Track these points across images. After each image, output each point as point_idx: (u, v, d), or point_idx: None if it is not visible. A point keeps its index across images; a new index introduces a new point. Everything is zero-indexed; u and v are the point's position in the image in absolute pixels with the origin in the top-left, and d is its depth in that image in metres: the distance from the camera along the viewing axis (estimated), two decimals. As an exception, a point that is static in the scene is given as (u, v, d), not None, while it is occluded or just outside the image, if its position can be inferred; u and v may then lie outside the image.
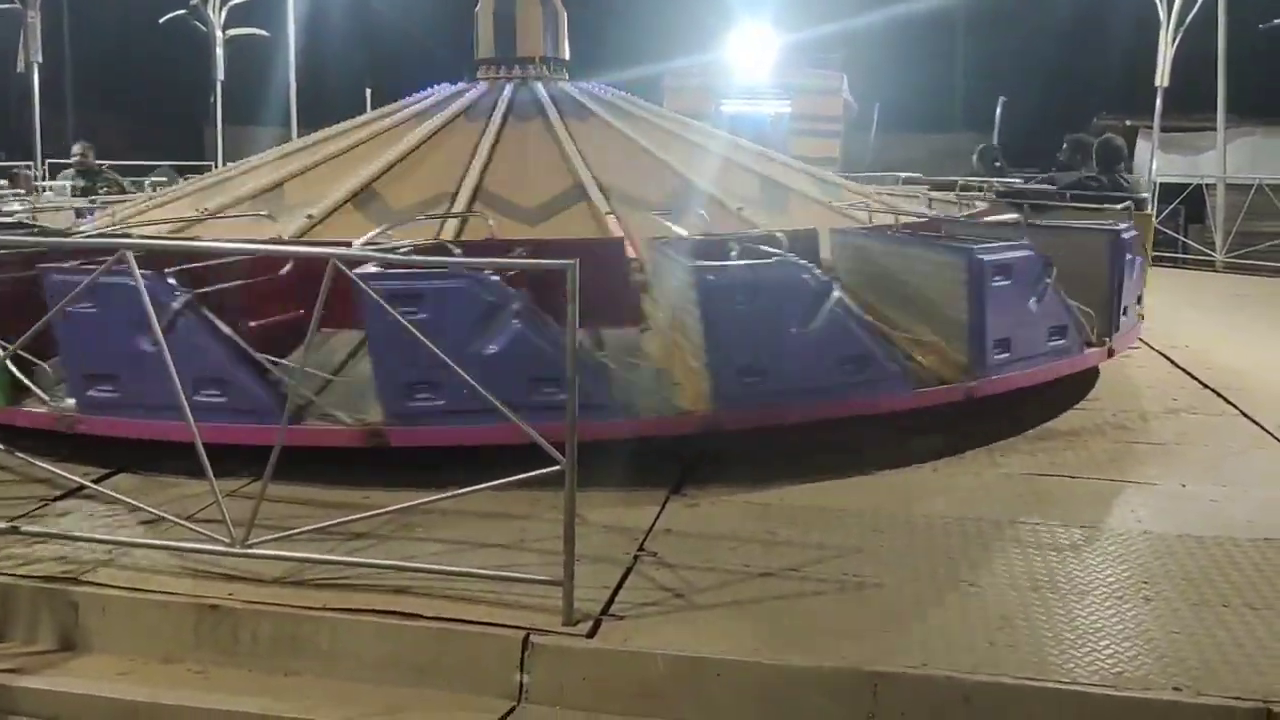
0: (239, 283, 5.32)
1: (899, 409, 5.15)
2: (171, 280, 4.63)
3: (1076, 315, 5.89)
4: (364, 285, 4.03)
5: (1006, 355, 5.44)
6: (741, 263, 5.12)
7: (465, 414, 4.41)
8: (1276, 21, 12.93)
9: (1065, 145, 13.83)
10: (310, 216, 6.74)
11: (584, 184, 7.09)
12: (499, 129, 7.71)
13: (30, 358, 4.93)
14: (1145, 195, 11.89)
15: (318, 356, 5.38)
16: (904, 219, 7.48)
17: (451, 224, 6.60)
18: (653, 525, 4.29)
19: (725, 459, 4.97)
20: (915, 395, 5.17)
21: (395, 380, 4.54)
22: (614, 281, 5.61)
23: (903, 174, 14.42)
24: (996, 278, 5.34)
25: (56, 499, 4.42)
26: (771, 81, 19.40)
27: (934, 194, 10.82)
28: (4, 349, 4.29)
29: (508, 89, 8.29)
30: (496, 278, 4.59)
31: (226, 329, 4.66)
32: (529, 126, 7.84)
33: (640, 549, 4.04)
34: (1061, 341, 5.77)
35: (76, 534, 3.99)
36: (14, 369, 4.86)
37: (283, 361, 4.74)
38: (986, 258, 5.36)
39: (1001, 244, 5.69)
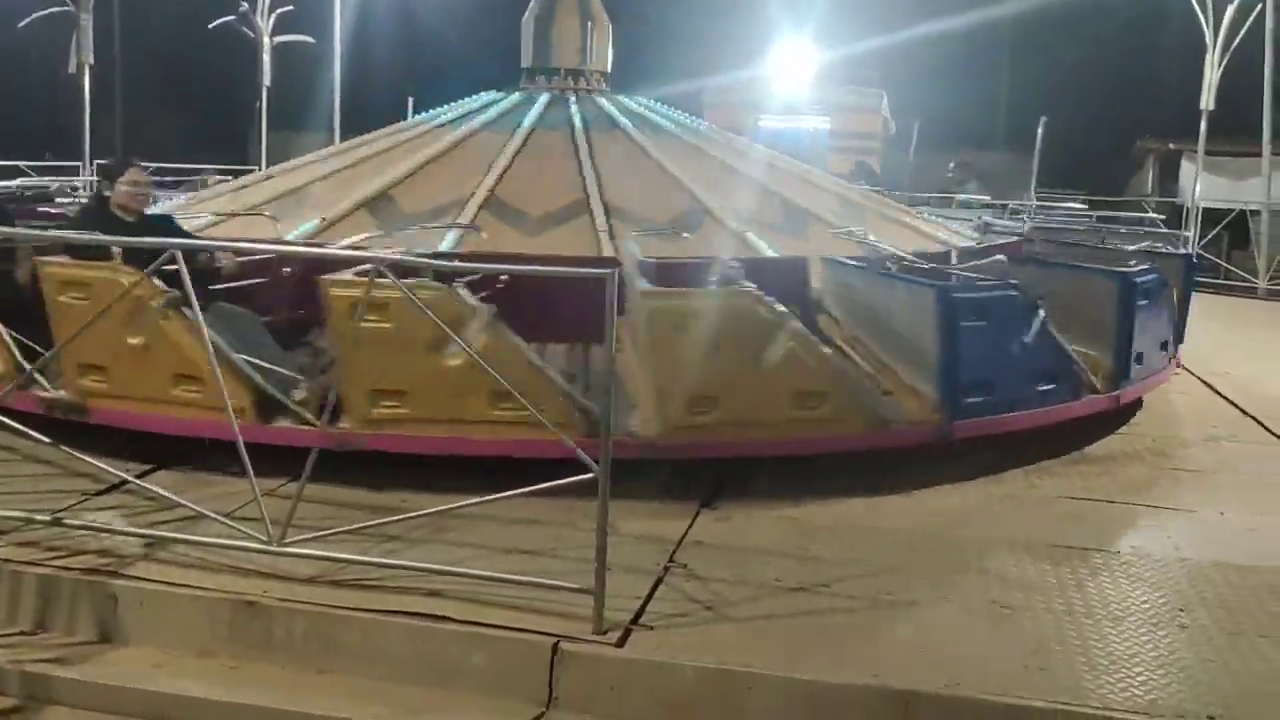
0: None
1: (1085, 414, 5.57)
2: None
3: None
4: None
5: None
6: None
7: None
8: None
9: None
10: (324, 219, 6.84)
11: (589, 199, 7.11)
12: (523, 140, 7.76)
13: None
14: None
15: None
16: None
17: (453, 234, 6.63)
18: (683, 537, 4.29)
19: (756, 474, 4.96)
20: (1087, 403, 5.58)
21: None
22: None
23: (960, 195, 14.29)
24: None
25: (99, 493, 4.50)
26: (810, 97, 19.41)
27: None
28: None
29: (541, 100, 8.34)
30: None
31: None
32: (552, 138, 7.88)
33: (671, 560, 4.05)
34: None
35: (117, 528, 4.05)
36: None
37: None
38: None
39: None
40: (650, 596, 3.72)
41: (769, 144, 12.16)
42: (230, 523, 3.87)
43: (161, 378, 4.77)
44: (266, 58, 16.42)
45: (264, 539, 3.72)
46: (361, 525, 3.91)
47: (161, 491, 4.20)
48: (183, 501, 4.07)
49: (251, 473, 3.75)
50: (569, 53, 8.64)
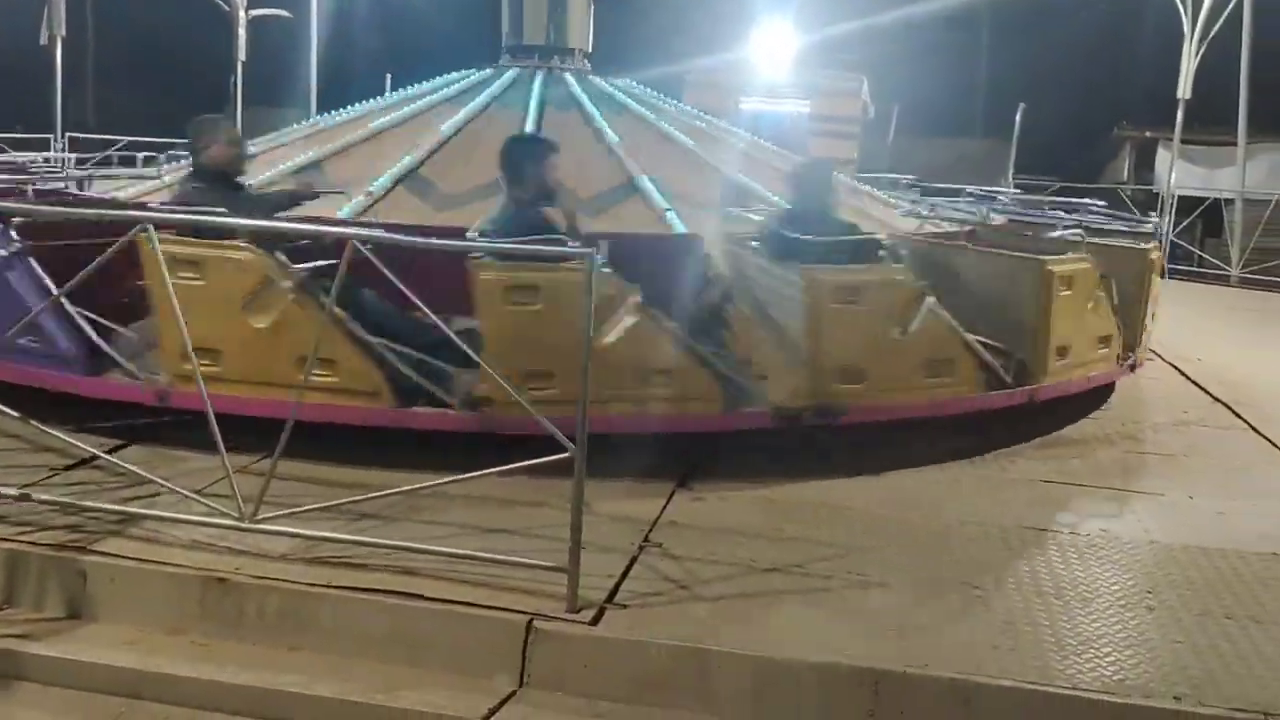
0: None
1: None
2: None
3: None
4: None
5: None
6: None
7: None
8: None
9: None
10: (369, 194, 6.75)
11: (635, 179, 7.10)
12: (538, 119, 7.71)
13: (109, 324, 5.01)
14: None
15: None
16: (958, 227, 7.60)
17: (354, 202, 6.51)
18: (658, 517, 4.30)
19: (731, 454, 4.98)
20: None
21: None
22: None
23: (905, 177, 14.32)
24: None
25: (68, 468, 4.45)
26: (791, 81, 19.40)
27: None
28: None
29: (538, 79, 8.28)
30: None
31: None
32: (567, 118, 7.84)
33: (645, 540, 4.06)
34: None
35: (87, 503, 4.01)
36: (95, 336, 4.89)
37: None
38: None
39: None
40: (625, 576, 3.73)
41: (750, 127, 12.14)
42: (201, 499, 3.84)
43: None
44: (242, 32, 16.22)
45: (235, 516, 3.69)
46: (335, 502, 3.89)
47: (131, 467, 4.15)
48: (153, 478, 4.03)
49: (223, 448, 3.72)
50: (555, 30, 8.57)
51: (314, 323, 4.37)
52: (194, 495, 3.87)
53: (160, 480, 4.01)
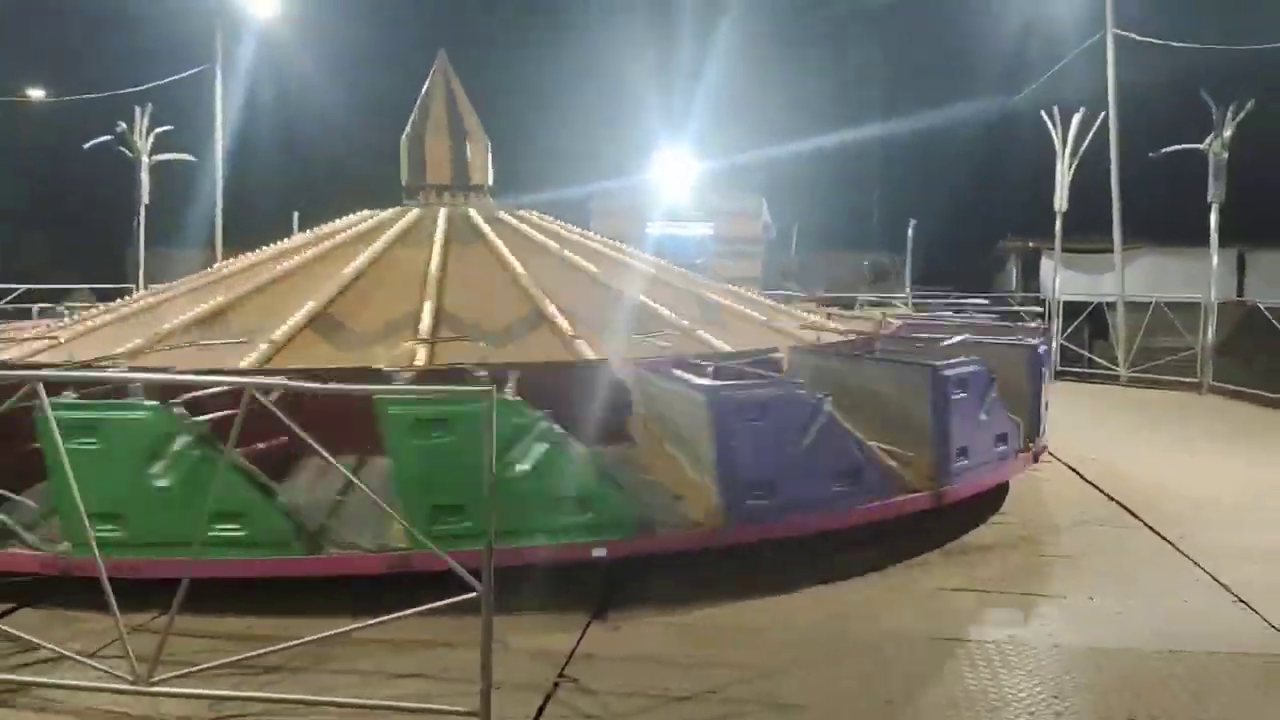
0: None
1: (898, 513, 5.40)
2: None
3: (1015, 423, 6.31)
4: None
5: (966, 462, 5.77)
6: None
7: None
8: (1165, 150, 13.83)
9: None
10: (273, 342, 6.66)
11: (542, 308, 7.21)
12: (443, 253, 7.83)
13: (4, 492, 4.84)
14: None
15: (323, 482, 5.34)
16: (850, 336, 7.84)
17: (422, 349, 6.54)
18: (574, 650, 4.26)
19: (648, 575, 4.98)
20: (897, 503, 5.39)
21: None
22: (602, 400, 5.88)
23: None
24: (957, 391, 5.69)
25: (-47, 637, 4.24)
26: (694, 204, 20.11)
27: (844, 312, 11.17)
28: None
29: (442, 214, 8.46)
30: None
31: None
32: (471, 251, 7.99)
33: (561, 675, 4.01)
34: (1004, 448, 6.17)
35: (-28, 675, 3.82)
36: None
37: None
38: (949, 373, 5.71)
39: (957, 360, 5.99)
40: (540, 714, 3.67)
41: (656, 249, 12.50)
42: (93, 663, 3.69)
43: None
44: (145, 176, 16.14)
45: (131, 679, 3.55)
46: (238, 657, 3.77)
47: (20, 633, 3.98)
48: (43, 643, 3.87)
49: (116, 609, 3.60)
50: (450, 169, 8.82)
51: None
52: (85, 660, 3.72)
53: (51, 645, 3.84)
